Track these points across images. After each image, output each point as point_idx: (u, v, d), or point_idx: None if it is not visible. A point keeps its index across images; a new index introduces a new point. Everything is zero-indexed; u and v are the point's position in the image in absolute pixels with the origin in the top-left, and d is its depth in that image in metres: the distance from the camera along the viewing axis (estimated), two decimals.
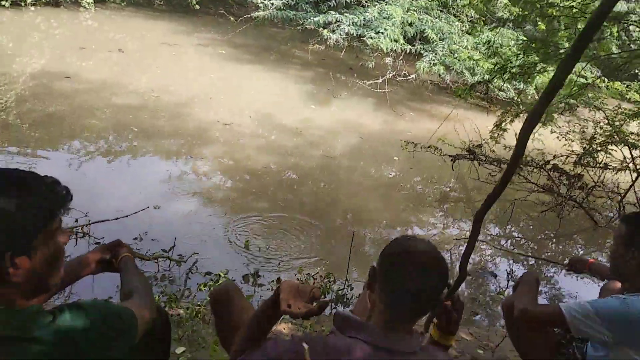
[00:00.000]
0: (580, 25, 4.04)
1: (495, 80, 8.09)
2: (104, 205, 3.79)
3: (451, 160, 5.85)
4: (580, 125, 5.88)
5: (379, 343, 1.23)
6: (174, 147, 5.64)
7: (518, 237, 5.31)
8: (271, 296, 1.34)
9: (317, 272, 3.38)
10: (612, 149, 5.22)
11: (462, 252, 1.28)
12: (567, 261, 2.58)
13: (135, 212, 3.60)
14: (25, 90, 6.47)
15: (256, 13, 10.73)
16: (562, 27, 4.29)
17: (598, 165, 5.21)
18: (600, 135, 5.26)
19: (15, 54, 7.92)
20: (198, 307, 2.79)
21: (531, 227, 5.51)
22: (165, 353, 1.59)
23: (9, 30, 9.27)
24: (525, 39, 4.63)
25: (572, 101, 5.62)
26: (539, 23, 5.83)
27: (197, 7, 13.20)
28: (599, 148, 5.14)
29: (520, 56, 4.47)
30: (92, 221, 3.38)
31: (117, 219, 3.43)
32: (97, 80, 7.12)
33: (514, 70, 4.51)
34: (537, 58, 4.14)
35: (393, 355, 1.23)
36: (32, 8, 10.72)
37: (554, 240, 5.26)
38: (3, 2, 10.13)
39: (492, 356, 2.75)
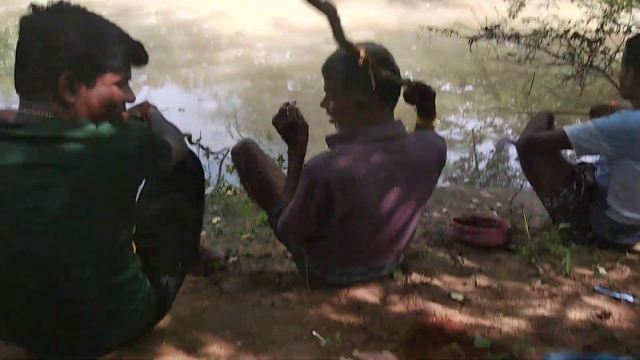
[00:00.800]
0: None
1: None
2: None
3: (469, 42, 5.74)
4: None
5: (373, 136, 1.45)
6: (192, 56, 5.72)
7: (539, 108, 5.29)
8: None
9: None
10: (636, 7, 5.01)
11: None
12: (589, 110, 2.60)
13: None
14: None
15: None
16: None
17: (620, 29, 5.03)
18: None
19: None
20: (229, 185, 3.00)
21: (553, 99, 5.46)
22: (200, 193, 1.72)
23: None
24: None
25: None
26: None
27: None
28: (621, 8, 4.93)
29: None
30: None
31: None
32: (113, 6, 7.13)
33: None
34: None
35: (388, 142, 1.45)
36: None
37: (577, 109, 5.22)
38: None
39: (510, 206, 2.88)
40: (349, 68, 1.42)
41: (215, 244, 2.28)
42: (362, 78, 1.40)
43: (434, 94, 1.61)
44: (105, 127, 1.15)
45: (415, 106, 1.65)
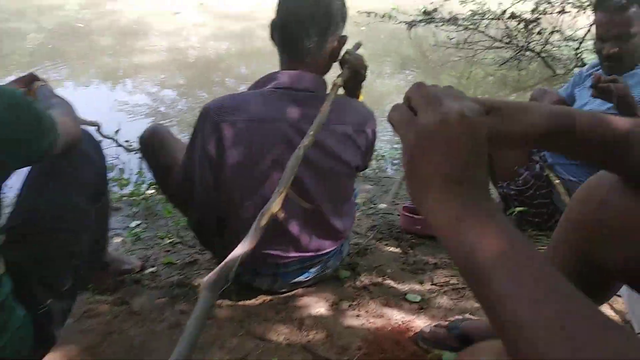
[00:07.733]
0: None
1: None
2: None
3: (407, 28, 5.61)
4: None
5: (283, 85, 1.32)
6: (117, 41, 5.24)
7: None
8: None
9: None
10: None
11: None
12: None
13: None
14: None
15: None
16: None
17: (554, 9, 5.03)
18: None
19: None
20: (150, 183, 2.66)
21: (492, 84, 5.42)
22: (102, 187, 1.39)
23: None
24: None
25: None
26: None
27: None
28: None
29: None
30: None
31: None
32: None
33: None
34: None
35: (297, 93, 1.31)
36: None
37: (514, 94, 5.20)
38: None
39: None
40: (278, 17, 1.36)
41: (131, 252, 1.94)
42: (280, 24, 1.34)
43: (364, 77, 1.49)
44: None
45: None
